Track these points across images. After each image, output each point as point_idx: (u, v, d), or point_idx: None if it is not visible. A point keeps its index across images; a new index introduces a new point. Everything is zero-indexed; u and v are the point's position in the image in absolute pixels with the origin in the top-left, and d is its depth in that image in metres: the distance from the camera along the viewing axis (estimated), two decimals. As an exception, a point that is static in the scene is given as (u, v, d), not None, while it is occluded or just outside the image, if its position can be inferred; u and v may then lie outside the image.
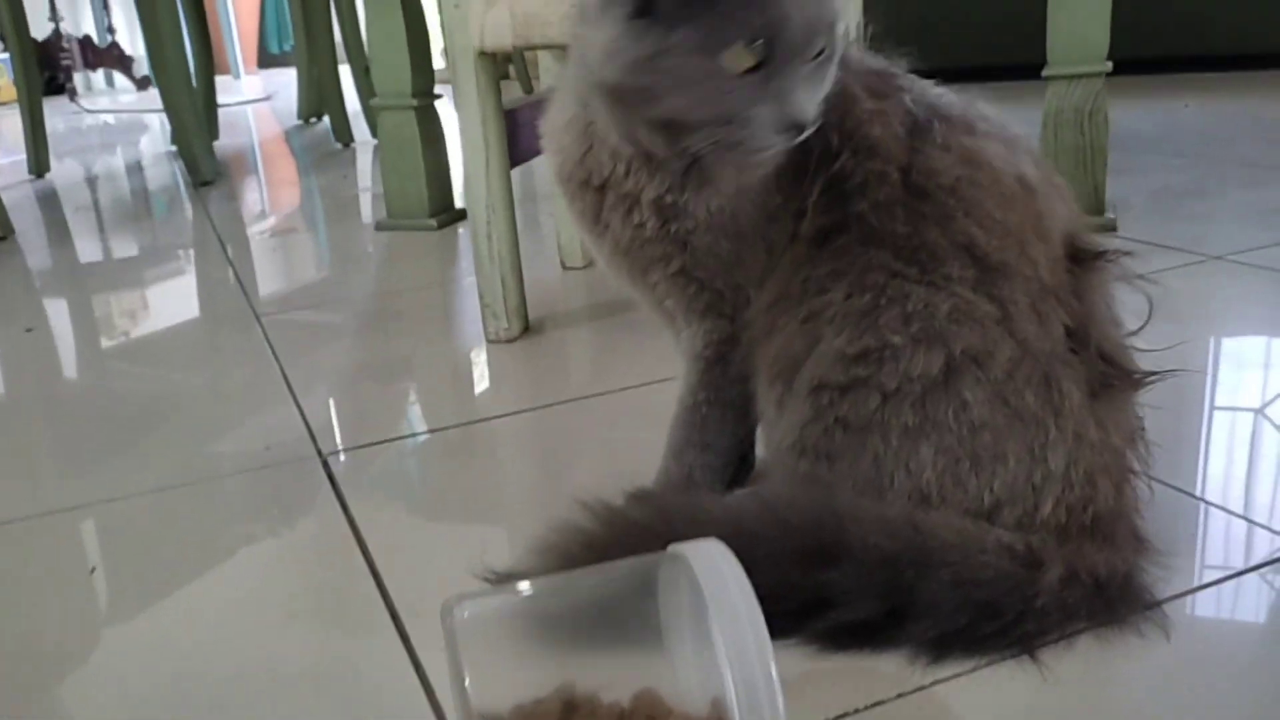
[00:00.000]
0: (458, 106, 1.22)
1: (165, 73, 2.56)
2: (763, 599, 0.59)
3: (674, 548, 0.54)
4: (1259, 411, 0.96)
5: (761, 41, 0.60)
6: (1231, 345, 1.13)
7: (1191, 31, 3.06)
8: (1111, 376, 0.69)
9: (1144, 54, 3.07)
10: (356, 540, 0.83)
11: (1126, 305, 0.72)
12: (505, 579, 0.70)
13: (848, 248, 0.68)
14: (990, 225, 0.67)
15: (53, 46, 5.31)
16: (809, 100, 0.63)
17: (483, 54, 1.19)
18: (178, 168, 2.90)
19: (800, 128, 0.63)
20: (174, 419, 1.11)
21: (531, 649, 0.55)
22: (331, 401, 1.14)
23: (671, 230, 0.72)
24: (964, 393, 0.65)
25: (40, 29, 5.47)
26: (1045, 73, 1.54)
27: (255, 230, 2.08)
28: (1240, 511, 0.79)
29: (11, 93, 5.74)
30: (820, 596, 0.63)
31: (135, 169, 3.05)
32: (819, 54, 0.62)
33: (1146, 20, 3.00)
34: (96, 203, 2.55)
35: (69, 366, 1.35)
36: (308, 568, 0.80)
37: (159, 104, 2.87)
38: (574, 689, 0.53)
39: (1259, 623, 0.67)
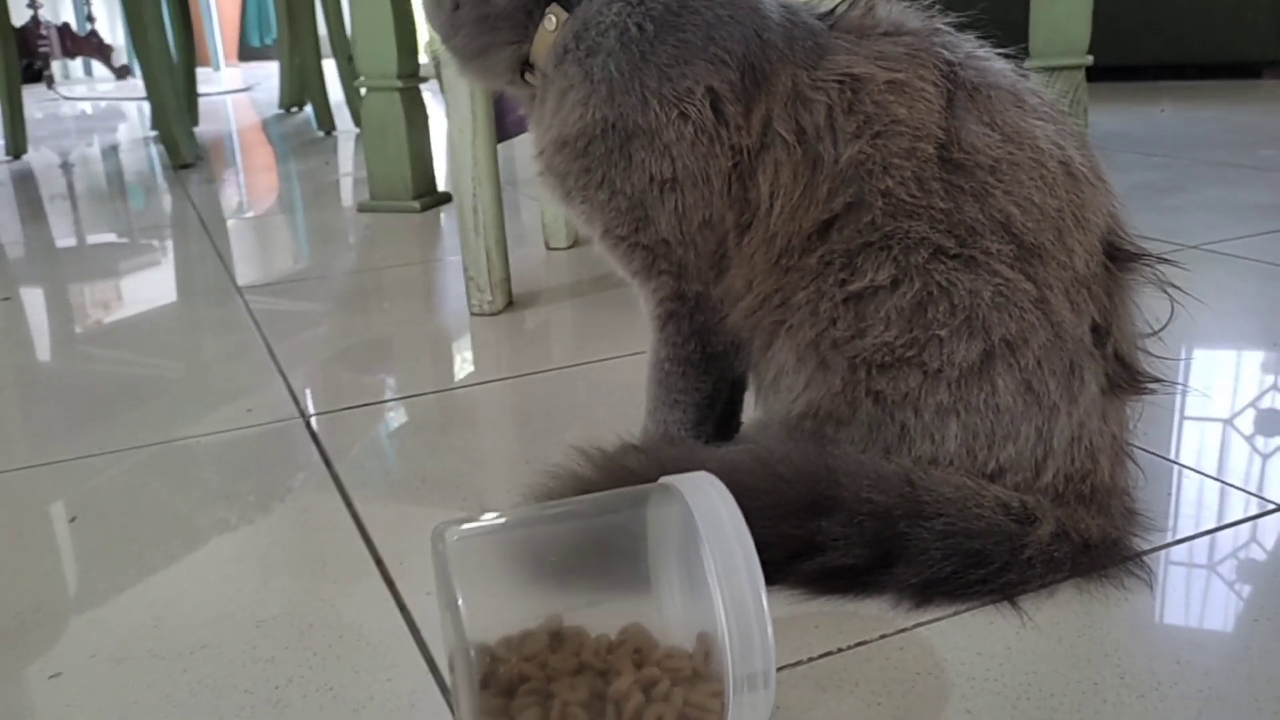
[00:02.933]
0: (446, 81, 1.22)
1: (147, 53, 2.54)
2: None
3: (666, 479, 0.54)
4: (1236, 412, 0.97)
5: None
6: (1214, 326, 1.14)
7: (1168, 40, 3.11)
8: (1121, 378, 0.70)
9: (1123, 61, 3.11)
10: (340, 493, 0.82)
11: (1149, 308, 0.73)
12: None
13: (873, 222, 0.68)
14: (1028, 207, 0.67)
15: (30, 34, 5.26)
16: None
17: (472, 26, 1.19)
18: (157, 154, 2.88)
19: None
20: (161, 387, 1.11)
21: (519, 582, 0.55)
22: (315, 369, 1.14)
23: (570, 190, 0.76)
24: (996, 379, 0.67)
25: (19, 15, 5.42)
26: (1027, 65, 1.56)
27: (236, 209, 2.07)
28: (1214, 474, 0.80)
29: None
30: (809, 543, 0.64)
31: (112, 154, 3.03)
32: None
33: (1126, 29, 3.04)
34: (71, 187, 2.53)
35: (52, 337, 1.34)
36: (291, 519, 0.80)
37: (137, 93, 2.87)
38: (561, 622, 0.54)
39: (1235, 578, 0.68)
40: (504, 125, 1.33)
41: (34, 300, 1.50)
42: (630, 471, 0.68)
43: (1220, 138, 2.29)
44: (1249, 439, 0.87)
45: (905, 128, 0.67)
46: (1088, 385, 0.68)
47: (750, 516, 0.58)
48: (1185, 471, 0.81)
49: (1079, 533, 0.66)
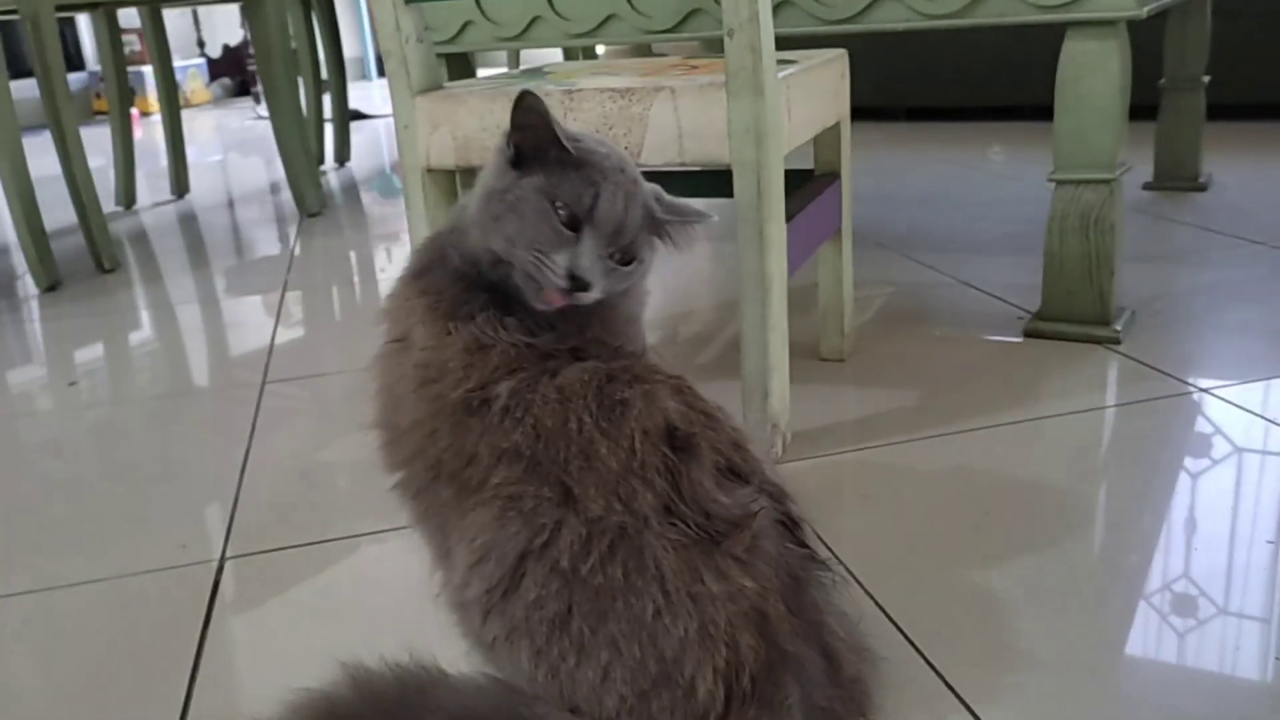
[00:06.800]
0: (409, 219, 1.29)
1: (275, 98, 2.65)
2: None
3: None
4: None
5: (571, 210, 0.75)
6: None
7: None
8: (715, 528, 0.69)
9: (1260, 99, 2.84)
10: (197, 650, 0.92)
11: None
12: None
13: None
14: (543, 431, 0.72)
15: (241, 52, 5.76)
16: (597, 273, 0.75)
17: (430, 171, 1.25)
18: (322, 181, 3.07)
19: (583, 287, 0.75)
20: (126, 500, 1.24)
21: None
22: (267, 495, 1.23)
23: None
24: (531, 591, 0.69)
25: (233, 34, 5.94)
26: (1051, 176, 1.47)
27: (322, 274, 2.23)
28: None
29: (204, 95, 6.23)
30: None
31: (280, 185, 3.26)
32: (618, 255, 0.77)
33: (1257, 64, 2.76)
34: (198, 231, 2.74)
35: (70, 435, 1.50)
36: (141, 668, 0.89)
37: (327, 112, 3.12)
38: None
39: None
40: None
41: (95, 383, 1.68)
42: (374, 697, 0.73)
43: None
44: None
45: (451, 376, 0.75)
46: (661, 559, 0.67)
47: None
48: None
49: None
